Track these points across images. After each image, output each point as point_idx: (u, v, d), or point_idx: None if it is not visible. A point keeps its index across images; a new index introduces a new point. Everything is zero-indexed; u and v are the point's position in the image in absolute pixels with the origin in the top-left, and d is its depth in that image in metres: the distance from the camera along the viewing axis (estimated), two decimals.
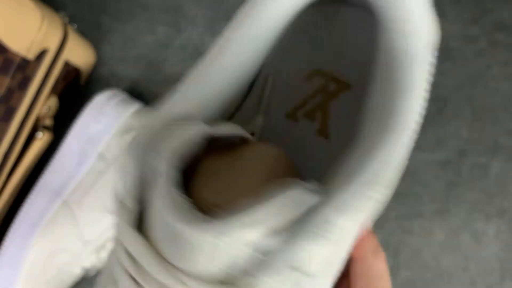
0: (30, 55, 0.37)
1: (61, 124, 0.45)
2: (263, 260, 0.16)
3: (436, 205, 0.46)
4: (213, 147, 0.19)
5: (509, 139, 0.46)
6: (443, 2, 0.47)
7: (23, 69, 0.37)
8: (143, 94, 0.46)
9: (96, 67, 0.47)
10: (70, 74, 0.43)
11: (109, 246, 0.40)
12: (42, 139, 0.41)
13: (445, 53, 0.47)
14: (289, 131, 0.24)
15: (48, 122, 0.41)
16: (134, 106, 0.42)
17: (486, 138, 0.46)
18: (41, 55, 0.38)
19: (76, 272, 0.41)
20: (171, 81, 0.47)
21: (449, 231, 0.46)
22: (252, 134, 0.23)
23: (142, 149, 0.17)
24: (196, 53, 0.46)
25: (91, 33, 0.47)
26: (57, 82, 0.41)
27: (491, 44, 0.47)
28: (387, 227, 0.46)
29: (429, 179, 0.46)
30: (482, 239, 0.46)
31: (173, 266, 0.16)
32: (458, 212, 0.46)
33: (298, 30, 0.23)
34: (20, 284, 0.39)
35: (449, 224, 0.46)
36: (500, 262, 0.46)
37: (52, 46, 0.38)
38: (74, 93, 0.45)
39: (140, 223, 0.17)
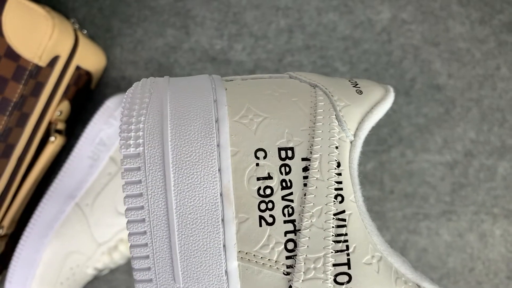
0: (42, 62, 0.37)
1: (73, 128, 0.46)
2: None
3: (443, 206, 0.46)
4: None
5: None
6: (451, 3, 0.47)
7: (35, 76, 0.37)
8: None
9: (106, 70, 0.47)
10: (82, 78, 0.43)
11: (121, 247, 0.41)
12: (55, 143, 0.42)
13: (454, 55, 0.47)
14: None
15: (60, 126, 0.42)
16: None
17: (493, 140, 0.47)
18: (52, 61, 0.38)
19: (89, 272, 0.42)
20: None
21: (456, 232, 0.46)
22: None
23: None
24: (205, 56, 0.47)
25: (101, 37, 0.47)
26: (68, 86, 0.42)
27: (500, 45, 0.47)
28: (394, 227, 0.46)
29: (436, 180, 0.46)
30: (489, 240, 0.46)
31: None
32: (465, 213, 0.46)
33: None
34: (34, 284, 0.40)
35: (455, 225, 0.46)
36: (507, 263, 0.46)
37: (64, 52, 0.39)
38: (85, 97, 0.46)
39: None
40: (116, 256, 0.42)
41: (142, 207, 0.19)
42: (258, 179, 0.20)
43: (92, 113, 0.44)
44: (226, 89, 0.22)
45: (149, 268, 0.19)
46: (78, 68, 0.42)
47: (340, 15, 0.47)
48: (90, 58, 0.43)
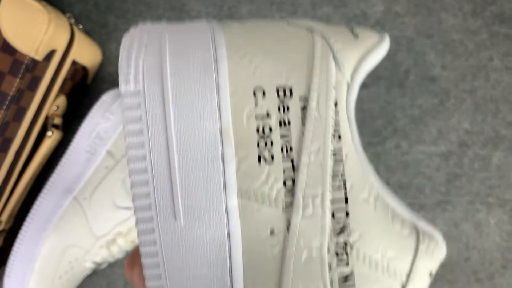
0: (39, 56, 0.37)
1: (70, 123, 0.46)
2: None
3: (438, 196, 0.47)
4: None
5: (510, 131, 0.47)
6: None
7: (32, 70, 0.38)
8: None
9: (102, 66, 0.48)
10: (78, 73, 0.44)
11: (120, 240, 0.42)
12: (52, 138, 0.42)
13: (447, 46, 0.47)
14: None
15: (57, 120, 0.42)
16: None
17: (487, 130, 0.47)
18: (49, 55, 0.39)
19: (87, 266, 0.42)
20: None
21: (451, 222, 0.47)
22: None
23: None
24: None
25: (97, 32, 0.47)
26: (65, 81, 0.42)
27: (492, 36, 0.47)
28: None
29: (431, 171, 0.47)
30: (484, 230, 0.47)
31: None
32: (460, 203, 0.47)
33: None
34: (33, 279, 0.41)
35: (451, 215, 0.47)
36: (502, 252, 0.46)
37: (60, 47, 0.39)
38: (81, 92, 0.46)
39: None
40: (114, 250, 0.42)
41: (142, 145, 0.19)
42: (257, 118, 0.20)
43: (88, 108, 0.44)
44: (224, 31, 0.22)
45: (149, 206, 0.19)
46: (74, 62, 0.42)
47: (334, 9, 0.47)
48: (86, 53, 0.43)
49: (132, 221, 0.41)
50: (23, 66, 0.37)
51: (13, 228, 0.43)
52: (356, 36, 0.24)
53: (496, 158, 0.47)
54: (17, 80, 0.37)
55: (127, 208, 0.41)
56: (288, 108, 0.21)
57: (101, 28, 0.48)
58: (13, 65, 0.36)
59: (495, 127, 0.47)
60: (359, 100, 0.46)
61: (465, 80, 0.47)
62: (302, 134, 0.21)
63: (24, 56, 0.36)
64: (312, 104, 0.21)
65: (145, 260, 0.20)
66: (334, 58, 0.22)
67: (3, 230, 0.42)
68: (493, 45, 0.47)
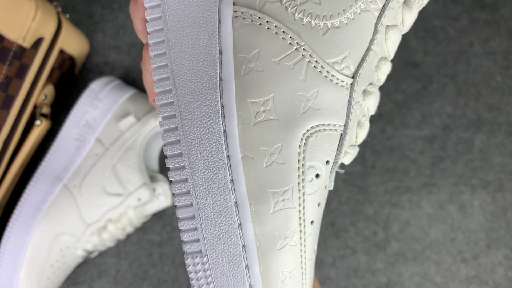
0: (26, 43, 0.38)
1: (57, 113, 0.46)
2: None
3: (423, 179, 0.48)
4: None
5: (492, 114, 0.48)
6: None
7: (20, 57, 0.38)
8: (137, 80, 0.48)
9: (89, 56, 0.48)
10: (65, 62, 0.44)
11: (110, 227, 0.42)
12: (40, 126, 0.42)
13: (429, 32, 0.48)
14: None
15: (45, 110, 0.42)
16: (129, 92, 0.43)
17: (469, 114, 0.48)
18: (36, 43, 0.39)
19: (79, 254, 0.42)
20: None
21: (436, 204, 0.48)
22: None
23: None
24: None
25: (84, 23, 0.48)
26: (53, 70, 0.42)
27: (472, 22, 0.49)
28: (376, 201, 0.47)
29: (415, 154, 0.48)
30: (468, 211, 0.48)
31: None
32: (445, 185, 0.48)
33: None
34: (24, 267, 0.41)
35: (436, 197, 0.48)
36: (486, 232, 0.48)
37: (47, 35, 0.39)
38: (69, 82, 0.46)
39: None
40: (105, 236, 0.42)
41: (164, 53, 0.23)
42: None
43: (76, 98, 0.44)
44: None
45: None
46: (61, 52, 0.42)
47: None
48: (74, 42, 0.43)
49: (123, 207, 0.41)
50: (11, 53, 0.37)
51: (2, 219, 0.43)
52: None
53: (478, 141, 0.48)
54: (5, 67, 0.37)
55: (117, 195, 0.41)
56: None
57: (87, 18, 0.48)
58: (0, 52, 0.36)
59: (477, 111, 0.48)
60: None
61: (447, 65, 0.49)
62: None
63: (11, 43, 0.37)
64: None
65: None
66: None
67: None
68: (474, 31, 0.49)
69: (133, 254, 0.47)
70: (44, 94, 0.42)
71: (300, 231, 0.22)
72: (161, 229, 0.47)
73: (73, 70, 0.46)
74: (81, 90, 0.44)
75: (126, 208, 0.41)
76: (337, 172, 0.25)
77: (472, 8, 0.49)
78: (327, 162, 0.23)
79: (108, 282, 0.47)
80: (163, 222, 0.47)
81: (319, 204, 0.24)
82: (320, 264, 0.47)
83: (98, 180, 0.41)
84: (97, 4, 0.48)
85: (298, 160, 0.22)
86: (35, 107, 0.42)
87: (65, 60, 0.44)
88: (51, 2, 0.41)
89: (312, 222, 0.23)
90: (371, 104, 0.25)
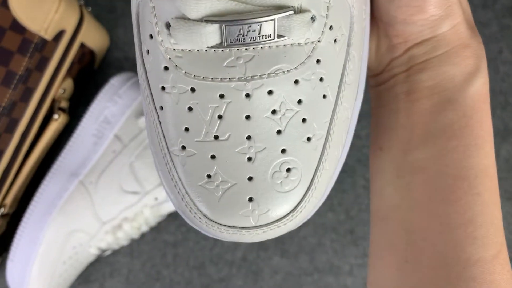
0: (48, 35, 0.37)
1: (75, 108, 0.45)
2: None
3: None
4: None
5: None
6: None
7: (41, 49, 0.37)
8: None
9: (110, 51, 0.47)
10: (85, 56, 0.43)
11: (126, 226, 0.41)
12: (58, 121, 0.41)
13: None
14: None
15: (64, 104, 0.42)
16: None
17: (496, 123, 0.47)
18: (58, 36, 0.38)
19: (92, 252, 0.41)
20: None
21: None
22: None
23: None
24: None
25: (105, 17, 0.47)
26: (72, 64, 0.41)
27: (502, 29, 0.47)
28: None
29: None
30: None
31: None
32: None
33: None
34: (36, 263, 0.40)
35: None
36: (509, 245, 0.46)
37: (69, 27, 0.39)
38: (88, 76, 0.46)
39: None
40: (120, 235, 0.41)
41: None
42: None
43: (95, 93, 0.43)
44: None
45: None
46: (82, 45, 0.41)
47: None
48: (95, 36, 0.43)
49: (139, 206, 0.40)
50: (32, 45, 0.36)
51: (16, 213, 0.43)
52: None
53: (504, 151, 0.47)
54: (26, 59, 0.36)
55: (134, 193, 0.40)
56: None
57: (108, 13, 0.47)
58: (22, 44, 0.36)
59: (504, 120, 0.47)
60: None
61: None
62: None
63: (33, 35, 0.36)
64: None
65: None
66: None
67: (6, 214, 0.41)
68: (503, 37, 0.47)
69: (146, 254, 0.46)
70: (63, 88, 0.41)
71: None
72: (175, 230, 0.46)
73: (92, 64, 0.45)
74: (99, 85, 0.43)
75: (143, 207, 0.41)
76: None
77: (502, 14, 0.47)
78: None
79: (120, 282, 0.46)
80: (178, 222, 0.46)
81: None
82: (337, 272, 0.46)
83: (115, 177, 0.40)
84: None
85: None
86: (53, 100, 0.41)
87: (85, 54, 0.43)
88: None
89: None
90: None
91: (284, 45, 0.20)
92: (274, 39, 0.20)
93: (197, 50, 0.20)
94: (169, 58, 0.21)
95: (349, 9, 0.22)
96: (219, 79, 0.20)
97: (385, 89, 0.28)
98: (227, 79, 0.20)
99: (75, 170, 0.41)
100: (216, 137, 0.21)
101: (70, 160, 0.41)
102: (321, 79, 0.21)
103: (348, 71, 0.23)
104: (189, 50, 0.21)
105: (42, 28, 0.36)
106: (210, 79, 0.20)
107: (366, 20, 0.25)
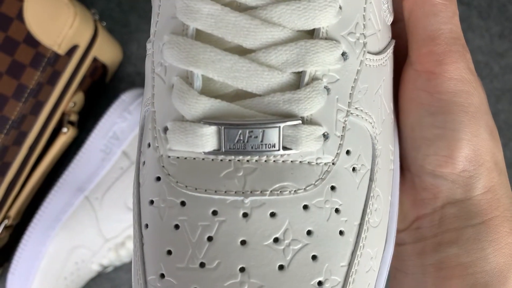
0: (61, 50, 0.37)
1: (84, 121, 0.45)
2: None
3: None
4: None
5: None
6: (471, 16, 0.47)
7: (53, 64, 0.37)
8: None
9: (122, 65, 0.47)
10: (98, 71, 0.43)
11: (128, 244, 0.40)
12: (67, 134, 0.41)
13: None
14: None
15: (73, 117, 0.42)
16: None
17: (509, 155, 0.46)
18: (71, 50, 0.38)
19: (94, 268, 0.41)
20: None
21: None
22: None
23: None
24: None
25: (118, 31, 0.47)
26: (84, 78, 0.41)
27: None
28: None
29: None
30: None
31: None
32: None
33: None
34: (37, 277, 0.39)
35: None
36: None
37: (83, 42, 0.39)
38: (99, 90, 0.45)
39: None
40: (122, 253, 0.41)
41: None
42: None
43: (105, 107, 0.43)
44: None
45: None
46: (95, 60, 0.41)
47: None
48: (108, 51, 0.43)
49: None
50: (45, 60, 0.36)
51: (20, 225, 0.42)
52: None
53: None
54: (38, 73, 0.36)
55: None
56: None
57: (122, 27, 0.47)
58: (34, 57, 0.35)
59: None
60: None
61: (489, 102, 0.46)
62: None
63: (46, 49, 0.36)
64: None
65: None
66: None
67: (10, 226, 0.41)
68: None
69: None
70: (73, 101, 0.41)
71: None
72: None
73: (104, 78, 0.45)
74: (110, 99, 0.43)
75: None
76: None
77: None
78: None
79: None
80: None
81: None
82: None
83: (120, 194, 0.40)
84: (133, 13, 0.47)
85: None
86: (63, 114, 0.41)
87: (98, 68, 0.43)
88: (89, 10, 0.40)
89: None
90: None
91: (291, 161, 0.17)
92: (278, 150, 0.17)
93: (194, 158, 0.18)
94: (163, 166, 0.18)
95: (370, 139, 0.19)
96: (214, 191, 0.17)
97: (410, 253, 0.23)
98: (223, 192, 0.17)
99: (81, 185, 0.40)
100: (202, 265, 0.17)
101: (77, 175, 0.41)
102: (337, 211, 0.18)
103: (372, 210, 0.19)
104: (185, 158, 0.18)
105: (56, 43, 0.36)
106: (204, 190, 0.17)
107: (396, 164, 0.22)
